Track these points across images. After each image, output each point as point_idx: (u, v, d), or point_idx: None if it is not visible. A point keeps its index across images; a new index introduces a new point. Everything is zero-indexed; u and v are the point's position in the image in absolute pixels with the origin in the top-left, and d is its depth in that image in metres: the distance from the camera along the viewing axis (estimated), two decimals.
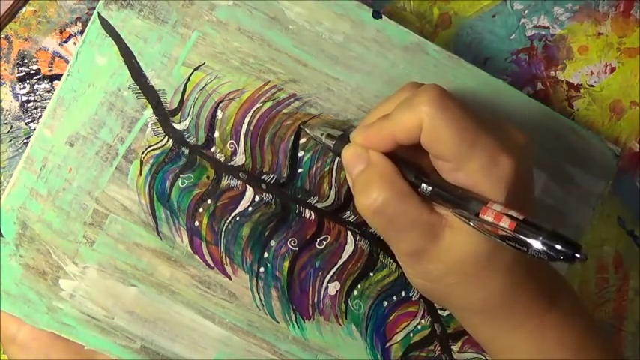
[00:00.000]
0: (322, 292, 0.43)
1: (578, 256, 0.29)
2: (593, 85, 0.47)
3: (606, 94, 0.47)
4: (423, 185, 0.34)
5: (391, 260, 0.43)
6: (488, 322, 0.37)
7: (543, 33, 0.47)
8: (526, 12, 0.46)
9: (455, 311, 0.39)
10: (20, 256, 0.40)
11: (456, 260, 0.34)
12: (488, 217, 0.31)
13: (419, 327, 0.44)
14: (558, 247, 0.29)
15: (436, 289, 0.37)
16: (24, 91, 0.43)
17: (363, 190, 0.35)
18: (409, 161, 0.35)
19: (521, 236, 0.30)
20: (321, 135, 0.39)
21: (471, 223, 0.32)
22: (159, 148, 0.41)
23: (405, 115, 0.33)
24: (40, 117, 0.42)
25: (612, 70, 0.47)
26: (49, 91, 0.43)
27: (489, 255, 0.34)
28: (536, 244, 0.30)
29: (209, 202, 0.41)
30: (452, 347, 0.44)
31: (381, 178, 0.34)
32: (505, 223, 0.31)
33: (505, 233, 0.31)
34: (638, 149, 0.48)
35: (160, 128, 0.41)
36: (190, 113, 0.41)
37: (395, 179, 0.34)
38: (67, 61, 0.43)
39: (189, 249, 0.41)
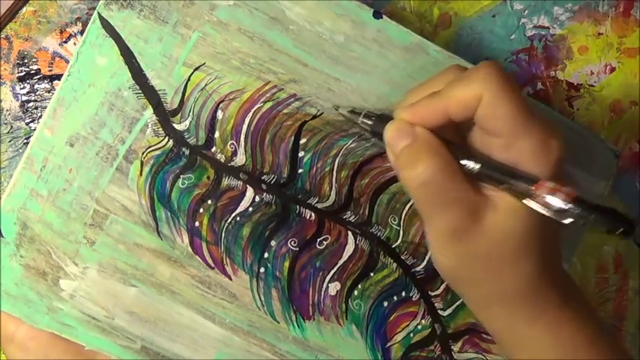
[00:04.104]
0: (322, 293, 0.43)
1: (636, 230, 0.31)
2: (593, 85, 0.47)
3: (606, 94, 0.47)
4: (471, 163, 0.34)
5: (391, 260, 0.43)
6: (506, 313, 0.36)
7: (543, 33, 0.47)
8: (526, 12, 0.46)
9: (473, 299, 0.38)
10: (20, 256, 0.40)
11: (495, 243, 0.34)
12: (543, 193, 0.32)
13: (419, 327, 0.44)
14: (618, 221, 0.31)
15: (462, 272, 0.36)
16: (24, 91, 0.43)
17: (409, 163, 0.34)
18: (452, 141, 0.35)
19: (581, 209, 0.31)
20: (359, 114, 0.38)
21: (524, 201, 0.32)
22: (159, 149, 0.41)
23: (462, 90, 0.33)
24: (40, 117, 0.42)
25: (612, 70, 0.47)
26: (49, 91, 0.43)
27: (526, 240, 0.34)
28: (599, 216, 0.31)
29: (209, 202, 0.41)
30: (452, 347, 0.44)
31: (430, 151, 0.34)
32: (561, 197, 0.31)
33: (562, 206, 0.31)
34: (638, 149, 0.48)
35: (161, 128, 0.41)
36: (191, 113, 0.41)
37: (444, 153, 0.34)
38: (67, 61, 0.43)
39: (190, 249, 0.41)
